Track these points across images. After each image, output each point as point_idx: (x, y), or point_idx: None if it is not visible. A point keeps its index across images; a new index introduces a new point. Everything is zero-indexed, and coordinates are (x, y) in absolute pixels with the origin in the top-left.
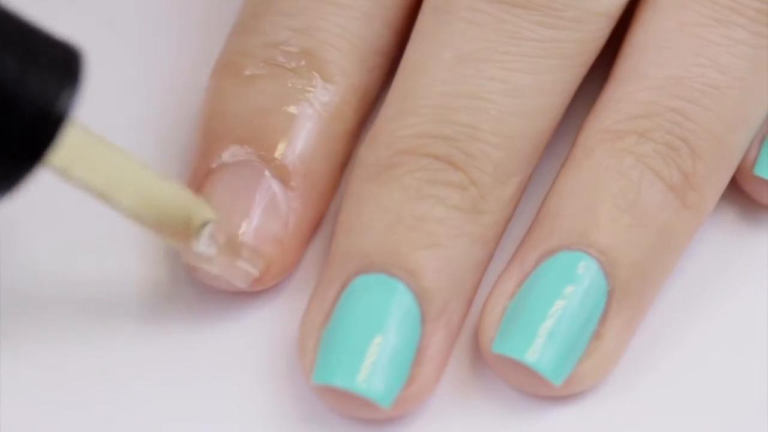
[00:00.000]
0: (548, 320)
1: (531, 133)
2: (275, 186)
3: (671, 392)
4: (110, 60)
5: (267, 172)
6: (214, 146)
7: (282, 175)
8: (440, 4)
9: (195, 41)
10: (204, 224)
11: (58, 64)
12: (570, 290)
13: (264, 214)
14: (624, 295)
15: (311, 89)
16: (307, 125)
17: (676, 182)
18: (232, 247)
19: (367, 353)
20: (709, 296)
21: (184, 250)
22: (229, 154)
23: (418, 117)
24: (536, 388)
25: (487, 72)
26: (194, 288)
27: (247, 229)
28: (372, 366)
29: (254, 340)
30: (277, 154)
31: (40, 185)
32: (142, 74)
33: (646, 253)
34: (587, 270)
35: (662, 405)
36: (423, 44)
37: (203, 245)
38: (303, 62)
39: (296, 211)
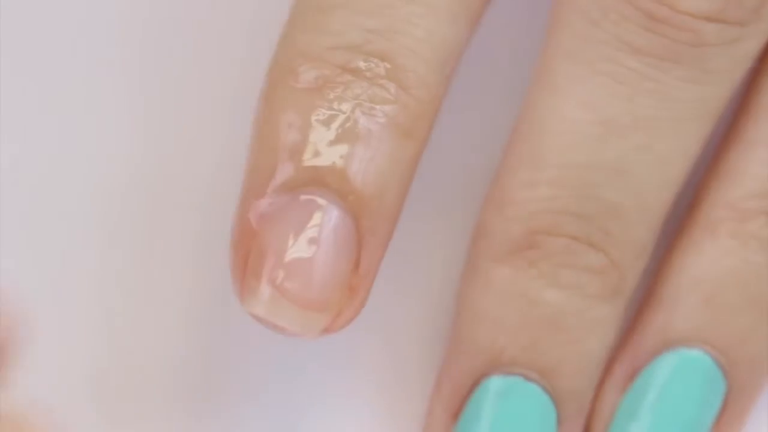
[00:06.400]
0: (664, 428)
1: (670, 200)
2: (345, 223)
3: None
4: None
5: (334, 206)
6: (270, 170)
7: (352, 209)
8: (574, 51)
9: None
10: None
11: None
12: (687, 394)
13: (332, 257)
14: (740, 394)
15: (388, 104)
16: (382, 148)
17: None
18: (297, 296)
19: None
20: None
21: (245, 300)
22: (288, 179)
23: (555, 189)
24: None
25: (633, 140)
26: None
27: (312, 275)
28: None
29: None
30: (347, 184)
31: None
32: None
33: (765, 349)
34: (706, 371)
35: None
36: (555, 100)
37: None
38: (380, 70)
39: (367, 252)
